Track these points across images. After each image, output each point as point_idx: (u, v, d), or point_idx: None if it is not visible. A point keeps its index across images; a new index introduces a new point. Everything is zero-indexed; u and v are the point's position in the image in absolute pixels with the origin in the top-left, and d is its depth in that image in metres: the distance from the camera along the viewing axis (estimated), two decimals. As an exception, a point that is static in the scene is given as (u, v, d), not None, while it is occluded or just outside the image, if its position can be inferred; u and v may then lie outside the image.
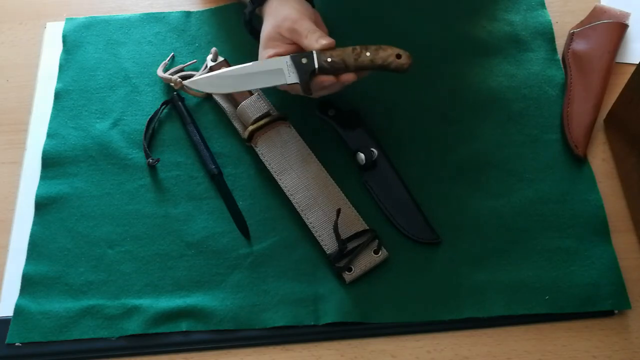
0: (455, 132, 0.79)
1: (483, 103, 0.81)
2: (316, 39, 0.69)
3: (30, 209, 0.77)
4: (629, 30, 0.84)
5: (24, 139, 0.82)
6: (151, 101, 0.83)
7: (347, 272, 0.70)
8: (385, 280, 0.71)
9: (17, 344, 0.69)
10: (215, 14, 0.89)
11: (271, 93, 0.80)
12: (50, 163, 0.79)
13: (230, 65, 0.81)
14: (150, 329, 0.69)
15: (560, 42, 0.85)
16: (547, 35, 0.85)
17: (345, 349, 0.69)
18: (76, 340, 0.69)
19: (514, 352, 0.68)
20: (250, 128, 0.76)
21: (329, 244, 0.71)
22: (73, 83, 0.84)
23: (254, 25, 0.77)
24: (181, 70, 0.83)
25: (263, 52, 0.72)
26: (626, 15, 0.84)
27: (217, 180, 0.77)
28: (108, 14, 0.90)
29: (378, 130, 0.78)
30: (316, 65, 0.68)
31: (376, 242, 0.72)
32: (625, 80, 0.73)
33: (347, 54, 0.69)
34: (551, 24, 0.86)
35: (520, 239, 0.73)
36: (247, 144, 0.78)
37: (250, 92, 0.78)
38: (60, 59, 0.86)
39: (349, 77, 0.70)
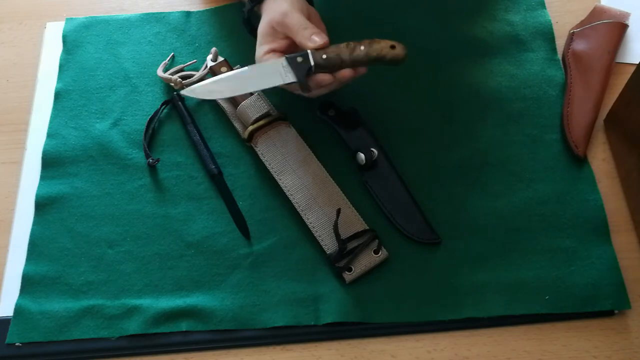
0: (455, 132, 0.79)
1: (483, 103, 0.81)
2: (309, 37, 0.69)
3: (30, 209, 0.77)
4: (629, 30, 0.84)
5: (24, 139, 0.82)
6: (151, 101, 0.83)
7: (347, 272, 0.70)
8: (385, 280, 0.71)
9: (17, 344, 0.69)
10: (215, 14, 0.89)
11: (271, 93, 0.79)
12: (50, 163, 0.79)
13: (230, 65, 0.81)
14: (151, 329, 0.69)
15: (560, 42, 0.85)
16: (547, 35, 0.85)
17: (345, 349, 0.69)
18: (76, 340, 0.69)
19: (514, 352, 0.68)
20: (250, 128, 0.76)
21: (329, 244, 0.71)
22: (73, 83, 0.84)
23: (252, 24, 0.77)
24: (181, 70, 0.83)
25: (259, 49, 0.73)
26: (626, 15, 0.84)
27: (217, 180, 0.77)
28: (108, 14, 0.90)
29: (378, 130, 0.78)
30: (312, 63, 0.68)
31: (376, 242, 0.72)
32: (625, 80, 0.73)
33: (342, 49, 0.69)
34: (551, 24, 0.86)
35: (520, 239, 0.72)
36: (247, 144, 0.78)
37: (250, 92, 0.78)
38: (60, 59, 0.86)
39: (346, 74, 0.69)
